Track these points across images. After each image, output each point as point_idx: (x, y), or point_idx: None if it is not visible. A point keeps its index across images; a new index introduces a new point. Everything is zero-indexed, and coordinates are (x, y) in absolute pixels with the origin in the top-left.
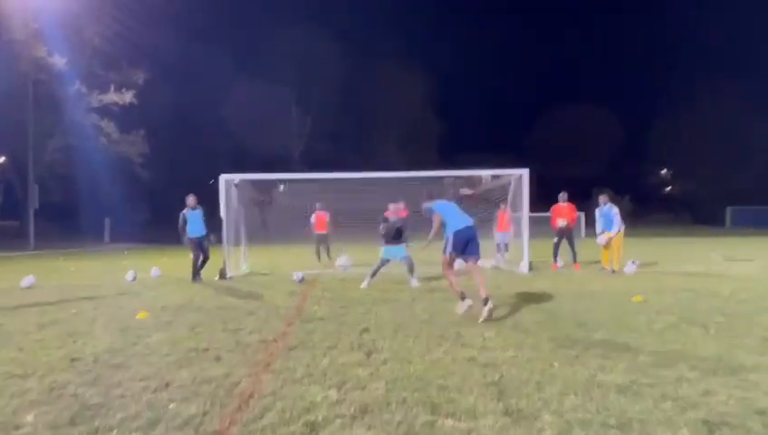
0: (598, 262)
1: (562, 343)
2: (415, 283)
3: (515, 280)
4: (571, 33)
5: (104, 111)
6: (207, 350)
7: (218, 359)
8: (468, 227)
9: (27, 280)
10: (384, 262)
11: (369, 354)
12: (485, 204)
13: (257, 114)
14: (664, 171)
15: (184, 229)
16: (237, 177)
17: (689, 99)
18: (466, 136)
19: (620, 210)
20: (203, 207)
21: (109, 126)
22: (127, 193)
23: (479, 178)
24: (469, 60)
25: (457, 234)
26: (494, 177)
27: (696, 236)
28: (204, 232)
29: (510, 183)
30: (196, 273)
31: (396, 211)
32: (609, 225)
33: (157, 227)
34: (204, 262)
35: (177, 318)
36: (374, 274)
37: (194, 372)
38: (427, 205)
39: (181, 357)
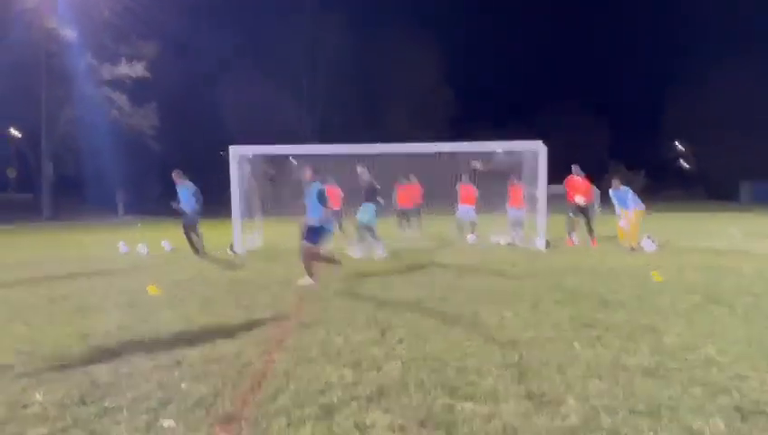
0: (615, 237)
1: (583, 322)
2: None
3: (532, 256)
4: (587, 5)
5: (116, 83)
6: (220, 327)
7: (231, 336)
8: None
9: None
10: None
11: (384, 332)
12: (499, 178)
13: (269, 87)
14: (678, 146)
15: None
16: (249, 149)
17: (704, 72)
18: (479, 109)
19: (635, 185)
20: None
21: (120, 99)
22: (139, 166)
23: (491, 153)
24: (482, 32)
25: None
26: (508, 152)
27: (711, 211)
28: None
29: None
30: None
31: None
32: (626, 205)
33: (169, 199)
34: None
35: (188, 293)
36: (377, 240)
37: (205, 351)
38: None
39: (193, 334)
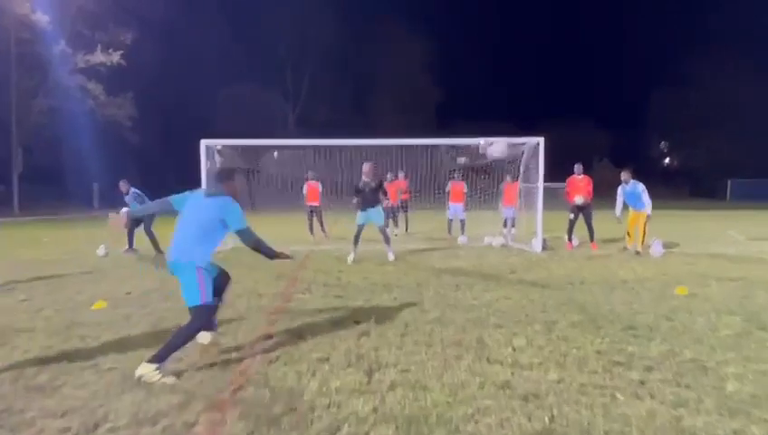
0: (614, 240)
1: (615, 358)
2: (391, 256)
3: (531, 262)
4: (574, 3)
5: (91, 72)
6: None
7: (171, 385)
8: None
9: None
10: (359, 227)
11: (370, 374)
12: (486, 175)
13: (251, 77)
14: (662, 144)
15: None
16: (219, 142)
17: (688, 71)
18: (465, 103)
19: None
20: (181, 173)
21: (96, 88)
22: (115, 157)
23: (477, 149)
24: (469, 26)
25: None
26: (491, 144)
27: (700, 210)
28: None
29: (522, 153)
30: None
31: (370, 173)
32: (638, 204)
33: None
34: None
35: (139, 309)
36: (356, 242)
37: (136, 405)
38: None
39: (126, 375)
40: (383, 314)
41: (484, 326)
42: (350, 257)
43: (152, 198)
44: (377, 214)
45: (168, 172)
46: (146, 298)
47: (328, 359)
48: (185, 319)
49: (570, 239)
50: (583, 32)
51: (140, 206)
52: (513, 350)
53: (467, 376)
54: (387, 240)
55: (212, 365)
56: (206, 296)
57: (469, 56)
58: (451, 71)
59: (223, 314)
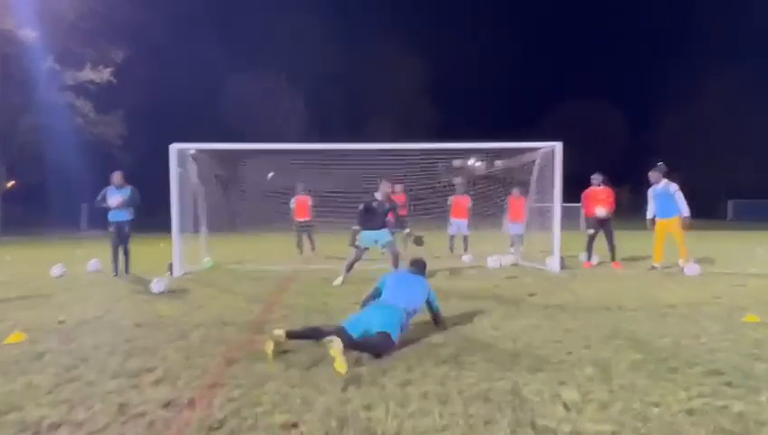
0: (636, 258)
1: (720, 421)
2: None
3: (551, 283)
4: (571, 23)
5: (80, 89)
6: (56, 428)
7: None
8: None
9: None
10: (360, 251)
11: None
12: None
13: (245, 96)
14: (660, 163)
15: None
16: (192, 146)
17: (689, 90)
18: (461, 123)
19: (620, 200)
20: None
21: (85, 105)
22: (105, 177)
23: (473, 168)
24: (466, 47)
25: None
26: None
27: (707, 230)
28: (127, 217)
29: (534, 162)
30: (117, 265)
31: (387, 194)
32: (670, 207)
33: (136, 213)
34: (124, 252)
35: (62, 344)
36: (349, 268)
37: None
38: None
39: None
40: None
41: (516, 369)
42: (338, 280)
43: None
44: (384, 235)
45: (157, 190)
46: (79, 329)
47: (296, 426)
48: (112, 359)
49: (589, 257)
50: (582, 50)
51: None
52: (566, 408)
53: None
54: (395, 262)
55: (134, 425)
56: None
57: (467, 76)
58: (449, 91)
59: (169, 350)
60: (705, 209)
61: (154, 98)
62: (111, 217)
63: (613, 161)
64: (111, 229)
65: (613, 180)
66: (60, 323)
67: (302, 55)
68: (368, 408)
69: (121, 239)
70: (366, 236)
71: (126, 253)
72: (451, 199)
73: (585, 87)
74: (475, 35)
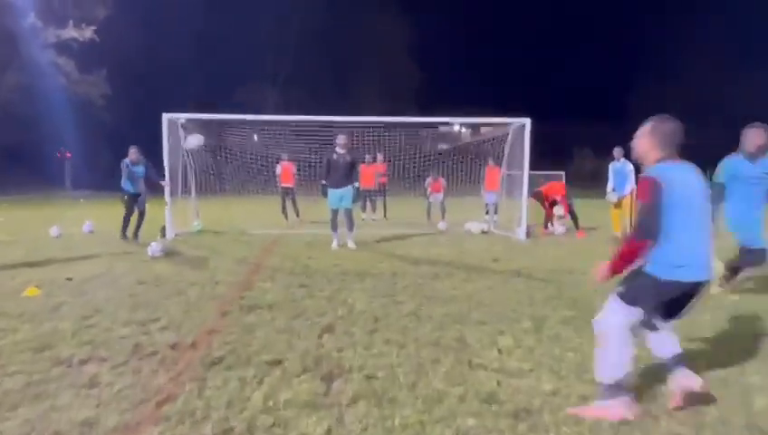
0: (594, 228)
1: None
2: (352, 244)
3: (515, 250)
4: None
5: (62, 47)
6: (86, 362)
7: (88, 388)
8: None
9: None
10: (334, 213)
11: (330, 381)
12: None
13: (230, 57)
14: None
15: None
16: (183, 116)
17: (672, 63)
18: (446, 88)
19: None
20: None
21: (68, 64)
22: (88, 136)
23: (458, 134)
24: (453, 9)
25: None
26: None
27: None
28: (140, 191)
29: (507, 135)
30: (125, 228)
31: (346, 145)
32: (622, 183)
33: (120, 173)
34: (141, 217)
35: (75, 298)
36: (334, 227)
37: (35, 413)
38: None
39: (36, 379)
40: (351, 308)
41: (465, 322)
42: (334, 244)
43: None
44: (347, 195)
45: (141, 150)
46: (87, 285)
47: (281, 362)
48: (121, 310)
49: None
50: (569, 21)
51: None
52: (500, 352)
53: (445, 386)
54: (351, 226)
55: (139, 367)
56: None
57: (452, 40)
58: (434, 55)
59: (170, 303)
60: None
61: (137, 57)
62: (129, 188)
63: (595, 134)
64: (126, 198)
65: (595, 152)
66: (68, 279)
67: (287, 17)
68: (339, 350)
69: (138, 206)
70: (332, 196)
71: (141, 215)
72: (429, 181)
73: (569, 55)
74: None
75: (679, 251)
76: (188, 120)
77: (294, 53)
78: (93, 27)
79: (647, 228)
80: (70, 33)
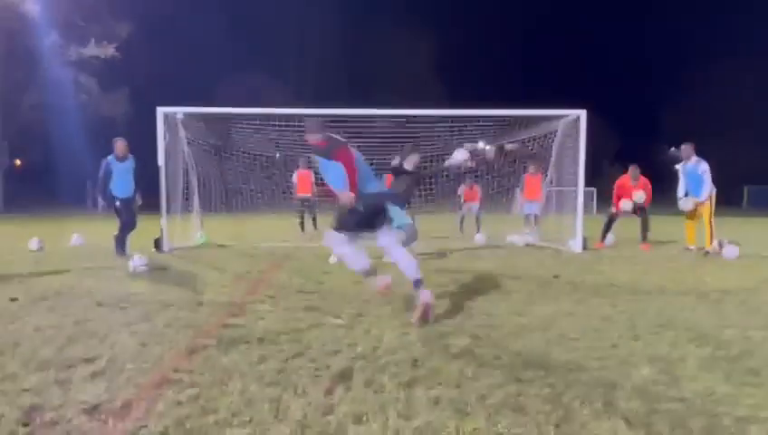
0: (662, 242)
1: None
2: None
3: (574, 264)
4: (585, 3)
5: (84, 65)
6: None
7: None
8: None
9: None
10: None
11: None
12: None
13: (251, 74)
14: (673, 149)
15: (105, 184)
16: (181, 109)
17: (704, 74)
18: (469, 102)
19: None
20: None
21: (89, 82)
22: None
23: (482, 150)
24: (475, 19)
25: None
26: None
27: (724, 216)
28: (131, 193)
29: (555, 133)
30: (123, 242)
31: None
32: (696, 187)
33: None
34: (129, 229)
35: (32, 316)
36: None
37: None
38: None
39: None
40: (377, 342)
41: (551, 368)
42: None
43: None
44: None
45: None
46: (32, 307)
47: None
48: (49, 345)
49: (603, 238)
50: (598, 35)
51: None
52: (629, 424)
53: None
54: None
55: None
56: None
57: (475, 53)
58: (455, 64)
59: (124, 334)
60: (721, 195)
61: (159, 75)
62: (119, 191)
63: (627, 146)
64: (118, 205)
65: (626, 165)
66: (12, 300)
67: (309, 33)
68: (359, 419)
69: (129, 215)
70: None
71: (130, 226)
72: (462, 188)
73: (596, 69)
74: (485, 12)
75: None
76: (187, 115)
77: (314, 65)
78: (115, 45)
79: None
80: (92, 50)
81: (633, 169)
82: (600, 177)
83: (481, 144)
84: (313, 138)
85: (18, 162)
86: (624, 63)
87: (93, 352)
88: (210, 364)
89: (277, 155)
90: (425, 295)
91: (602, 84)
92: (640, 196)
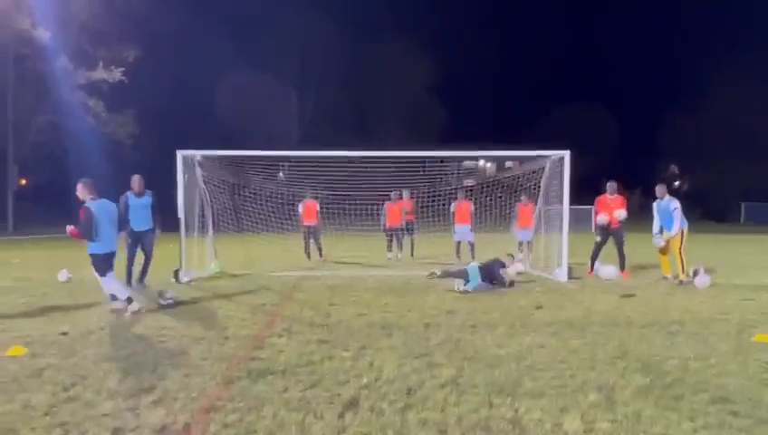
0: (645, 267)
1: None
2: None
3: (559, 295)
4: (582, 25)
5: (92, 88)
6: None
7: None
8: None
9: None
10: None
11: None
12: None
13: (255, 96)
14: (672, 166)
15: (124, 219)
16: (198, 153)
17: (703, 93)
18: (469, 125)
19: (631, 203)
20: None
21: (97, 105)
22: (117, 176)
23: (483, 169)
24: (474, 46)
25: None
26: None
27: (719, 234)
28: (149, 226)
29: (543, 169)
30: (131, 275)
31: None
32: (668, 223)
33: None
34: (147, 262)
35: (62, 359)
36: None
37: None
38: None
39: None
40: (379, 373)
41: (517, 395)
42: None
43: None
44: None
45: (169, 190)
46: (80, 342)
47: None
48: (111, 377)
49: (592, 266)
50: (595, 51)
51: None
52: None
53: None
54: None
55: None
56: None
57: (474, 77)
58: (455, 91)
59: (169, 367)
60: (719, 212)
61: (165, 97)
62: (135, 225)
63: (626, 164)
64: (130, 241)
65: (625, 183)
66: (62, 334)
67: (311, 56)
68: (410, 390)
69: (145, 247)
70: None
71: (147, 258)
72: (454, 205)
73: (595, 88)
74: (484, 36)
75: None
76: (205, 157)
77: (317, 92)
78: (122, 69)
79: None
80: (100, 74)
81: (610, 186)
82: (599, 194)
83: (481, 162)
84: None
85: (24, 181)
86: (625, 80)
87: (148, 383)
88: (245, 393)
89: (280, 174)
90: None
91: (600, 103)
92: (622, 214)
